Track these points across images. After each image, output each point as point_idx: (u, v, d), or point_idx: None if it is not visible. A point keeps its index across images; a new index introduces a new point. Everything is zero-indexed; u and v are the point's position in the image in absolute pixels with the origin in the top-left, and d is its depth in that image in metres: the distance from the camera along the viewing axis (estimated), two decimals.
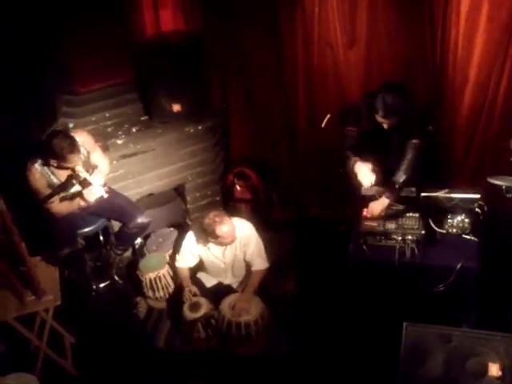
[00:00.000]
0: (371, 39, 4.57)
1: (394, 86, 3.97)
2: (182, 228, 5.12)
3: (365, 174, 4.13)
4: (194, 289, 4.42)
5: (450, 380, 3.21)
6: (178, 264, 4.53)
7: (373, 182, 4.12)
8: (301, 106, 5.17)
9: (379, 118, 3.97)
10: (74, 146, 4.00)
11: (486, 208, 3.99)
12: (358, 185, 4.17)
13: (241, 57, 5.15)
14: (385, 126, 4.00)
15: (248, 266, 4.46)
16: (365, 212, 4.18)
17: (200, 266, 4.58)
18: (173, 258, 4.74)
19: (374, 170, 4.14)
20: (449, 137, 4.67)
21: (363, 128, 4.16)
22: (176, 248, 4.74)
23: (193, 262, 4.50)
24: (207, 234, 4.19)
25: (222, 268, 4.47)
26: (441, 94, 4.56)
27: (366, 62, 4.70)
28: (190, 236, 4.42)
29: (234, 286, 4.56)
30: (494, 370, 3.15)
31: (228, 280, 4.57)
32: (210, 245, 4.34)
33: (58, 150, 3.93)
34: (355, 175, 4.18)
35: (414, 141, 4.08)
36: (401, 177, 4.10)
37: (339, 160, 4.43)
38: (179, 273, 4.55)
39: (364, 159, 4.18)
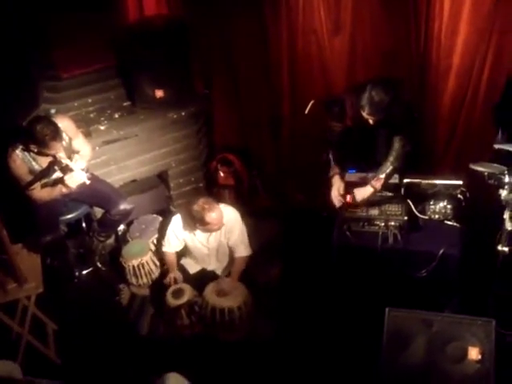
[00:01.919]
0: (356, 26, 4.57)
1: (381, 83, 3.88)
2: (165, 214, 5.11)
3: (336, 192, 4.23)
4: (178, 275, 4.41)
5: (431, 364, 3.27)
6: (164, 249, 4.52)
7: (340, 204, 4.20)
8: (285, 93, 5.15)
9: (365, 115, 3.94)
10: (56, 133, 3.96)
11: (468, 194, 4.03)
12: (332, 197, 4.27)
13: (224, 42, 5.11)
14: (370, 121, 3.98)
15: (231, 252, 4.47)
16: (348, 198, 4.20)
17: (184, 252, 4.58)
18: (158, 243, 4.74)
19: (344, 194, 4.19)
20: (432, 124, 4.70)
21: (347, 123, 4.15)
22: (161, 233, 4.72)
23: (179, 246, 4.49)
24: (195, 221, 4.19)
25: (205, 253, 4.47)
26: (424, 82, 4.57)
27: (350, 49, 4.69)
28: (176, 220, 4.42)
29: (218, 271, 4.57)
30: (474, 353, 3.22)
31: (212, 265, 4.57)
32: (197, 231, 4.34)
33: (40, 136, 3.89)
34: (331, 185, 4.26)
35: (401, 133, 4.08)
36: (388, 167, 4.10)
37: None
38: (166, 258, 4.54)
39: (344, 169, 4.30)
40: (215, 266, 4.58)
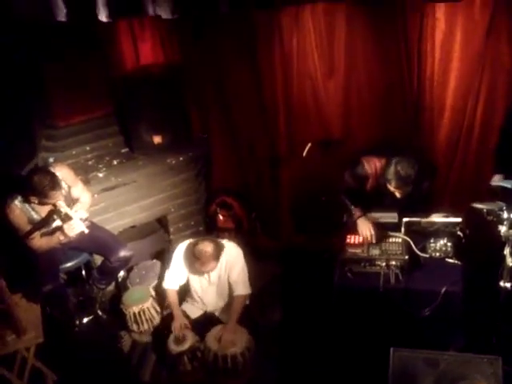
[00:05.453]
0: (349, 69, 4.66)
1: (405, 156, 3.91)
2: (165, 259, 5.09)
3: (365, 229, 4.15)
4: (185, 321, 4.34)
5: None
6: (165, 285, 4.45)
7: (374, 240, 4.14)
8: (282, 135, 5.21)
9: (392, 188, 3.97)
10: (55, 183, 3.97)
11: (467, 231, 4.03)
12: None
13: (221, 88, 5.18)
14: (397, 194, 4.00)
15: (231, 290, 4.43)
16: (348, 239, 4.20)
17: (183, 296, 4.54)
18: (158, 286, 4.71)
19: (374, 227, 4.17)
20: None
21: (366, 188, 4.19)
22: (162, 274, 4.67)
23: (182, 279, 4.42)
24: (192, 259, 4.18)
25: (206, 287, 4.42)
26: (419, 122, 4.63)
27: (344, 92, 4.78)
28: (179, 252, 4.39)
29: (218, 310, 4.52)
30: None
31: (211, 302, 4.50)
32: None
33: (39, 187, 3.90)
34: (355, 227, 4.21)
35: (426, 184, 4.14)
36: None
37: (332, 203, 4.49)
38: (168, 296, 4.46)
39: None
40: (215, 301, 4.50)
